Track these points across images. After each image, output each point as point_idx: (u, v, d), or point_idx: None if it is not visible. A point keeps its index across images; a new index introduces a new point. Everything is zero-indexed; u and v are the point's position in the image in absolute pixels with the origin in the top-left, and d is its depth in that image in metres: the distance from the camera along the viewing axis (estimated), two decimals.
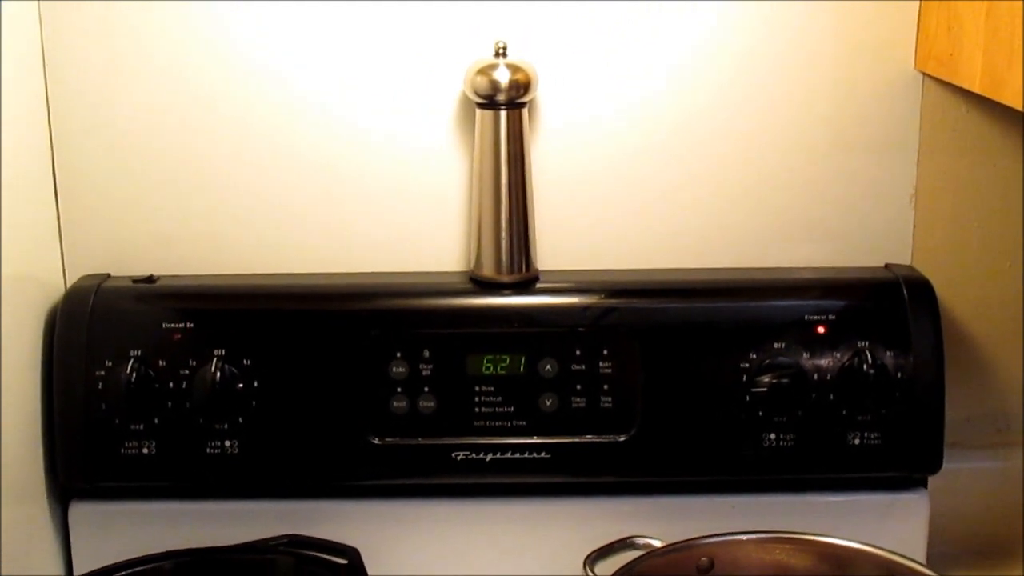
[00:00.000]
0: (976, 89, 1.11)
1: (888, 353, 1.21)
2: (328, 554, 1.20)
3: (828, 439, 1.22)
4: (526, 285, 1.25)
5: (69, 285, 1.26)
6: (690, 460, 1.23)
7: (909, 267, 1.29)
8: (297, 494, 1.25)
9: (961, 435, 1.32)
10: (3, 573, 1.13)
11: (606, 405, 1.22)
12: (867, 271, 1.27)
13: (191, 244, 1.28)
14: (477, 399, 1.22)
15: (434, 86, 1.25)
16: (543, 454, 1.22)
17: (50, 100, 1.25)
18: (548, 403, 1.22)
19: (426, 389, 1.22)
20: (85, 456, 1.21)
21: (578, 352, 1.22)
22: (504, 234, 1.23)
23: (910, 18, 1.24)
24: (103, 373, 1.20)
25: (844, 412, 1.21)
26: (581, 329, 1.22)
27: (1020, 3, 1.00)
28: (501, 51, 1.20)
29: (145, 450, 1.21)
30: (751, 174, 1.28)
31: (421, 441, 1.22)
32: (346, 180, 1.27)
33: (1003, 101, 1.05)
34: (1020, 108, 1.01)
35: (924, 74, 1.25)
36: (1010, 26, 1.02)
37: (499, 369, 1.22)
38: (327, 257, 1.29)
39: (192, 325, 1.21)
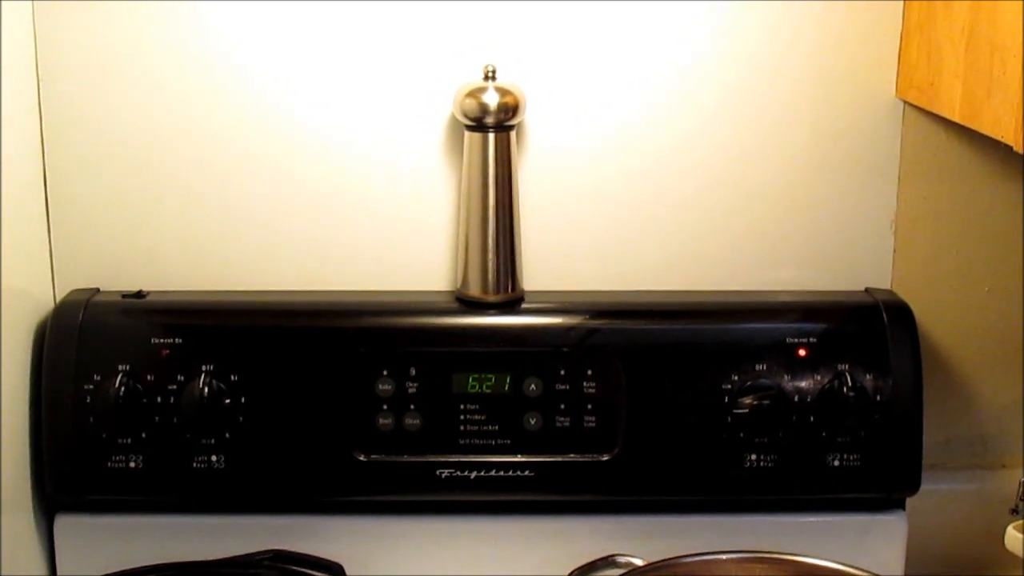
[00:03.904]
0: (955, 118, 1.13)
1: (868, 376, 1.22)
2: (313, 569, 1.21)
3: (808, 460, 1.23)
4: (512, 305, 1.26)
5: (59, 299, 1.27)
6: (672, 480, 1.24)
7: (889, 291, 1.30)
8: (282, 509, 1.26)
9: (939, 457, 1.34)
10: None
11: (590, 424, 1.23)
12: (847, 295, 1.29)
13: (180, 260, 1.29)
14: (462, 417, 1.23)
15: (423, 108, 1.26)
16: (527, 472, 1.23)
17: (42, 115, 1.25)
18: (532, 422, 1.23)
19: (412, 407, 1.23)
20: (72, 469, 1.22)
21: (562, 372, 1.23)
22: (490, 254, 1.24)
23: (891, 48, 1.26)
24: (91, 387, 1.20)
25: (824, 434, 1.22)
26: (565, 349, 1.23)
27: (998, 35, 1.02)
28: (490, 74, 1.22)
29: (132, 464, 1.21)
30: (735, 198, 1.29)
31: (406, 458, 1.23)
32: (335, 199, 1.28)
33: (981, 130, 1.06)
34: (998, 137, 1.02)
35: (905, 102, 1.27)
36: (988, 57, 1.04)
37: (484, 388, 1.23)
38: (315, 275, 1.30)
39: (180, 340, 1.22)
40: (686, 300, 1.29)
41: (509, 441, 1.23)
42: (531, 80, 1.24)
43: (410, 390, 1.23)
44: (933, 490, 1.29)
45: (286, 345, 1.23)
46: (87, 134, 1.26)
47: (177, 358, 1.21)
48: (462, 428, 1.23)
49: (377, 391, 1.22)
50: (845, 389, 1.21)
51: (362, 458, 1.23)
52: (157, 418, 1.21)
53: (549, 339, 1.24)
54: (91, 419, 1.20)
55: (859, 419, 1.22)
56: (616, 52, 1.26)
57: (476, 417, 1.23)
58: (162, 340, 1.22)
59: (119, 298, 1.25)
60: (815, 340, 1.23)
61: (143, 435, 1.21)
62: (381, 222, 1.29)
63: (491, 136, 1.22)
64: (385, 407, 1.23)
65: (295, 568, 1.21)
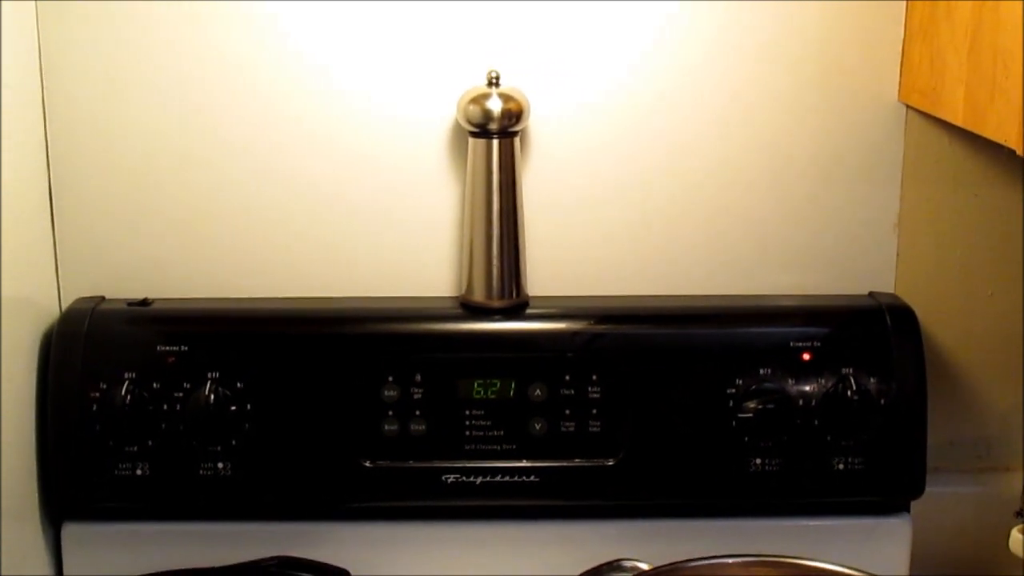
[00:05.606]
0: (958, 122, 1.13)
1: (871, 379, 1.22)
2: (319, 575, 1.21)
3: (812, 464, 1.23)
4: (516, 311, 1.26)
5: (64, 308, 1.27)
6: (677, 484, 1.25)
7: (892, 295, 1.30)
8: (289, 516, 1.26)
9: (943, 460, 1.34)
10: None
11: (594, 429, 1.23)
12: (851, 299, 1.29)
13: (185, 268, 1.29)
14: (467, 423, 1.23)
15: (427, 114, 1.27)
16: (532, 477, 1.23)
17: (47, 123, 1.26)
18: (537, 427, 1.24)
19: (417, 413, 1.23)
20: (79, 477, 1.22)
21: (567, 377, 1.23)
22: (495, 260, 1.24)
23: (894, 52, 1.26)
24: (98, 395, 1.20)
25: (828, 437, 1.23)
26: (570, 354, 1.23)
27: (1001, 39, 1.03)
28: (494, 80, 1.22)
29: (139, 471, 1.21)
30: (738, 203, 1.30)
31: (412, 464, 1.24)
32: (340, 205, 1.29)
33: (984, 134, 1.07)
34: (1001, 141, 1.02)
35: (908, 106, 1.27)
36: (991, 61, 1.05)
37: (489, 393, 1.23)
38: (320, 281, 1.30)
39: (186, 348, 1.22)
40: (690, 305, 1.29)
41: (514, 446, 1.24)
42: (535, 85, 1.25)
43: (415, 396, 1.23)
44: (937, 493, 1.29)
45: (292, 352, 1.23)
46: (91, 142, 1.27)
47: (183, 365, 1.21)
48: (467, 434, 1.23)
49: (383, 397, 1.23)
50: (849, 393, 1.21)
51: (368, 464, 1.23)
52: (163, 425, 1.21)
53: (554, 344, 1.24)
54: (97, 427, 1.20)
55: (863, 422, 1.22)
56: (619, 57, 1.26)
57: (481, 423, 1.23)
58: (168, 348, 1.22)
59: (124, 306, 1.25)
60: (819, 344, 1.23)
61: (150, 443, 1.21)
62: (385, 228, 1.29)
63: (495, 142, 1.22)
64: (391, 413, 1.23)
65: (301, 574, 1.21)
